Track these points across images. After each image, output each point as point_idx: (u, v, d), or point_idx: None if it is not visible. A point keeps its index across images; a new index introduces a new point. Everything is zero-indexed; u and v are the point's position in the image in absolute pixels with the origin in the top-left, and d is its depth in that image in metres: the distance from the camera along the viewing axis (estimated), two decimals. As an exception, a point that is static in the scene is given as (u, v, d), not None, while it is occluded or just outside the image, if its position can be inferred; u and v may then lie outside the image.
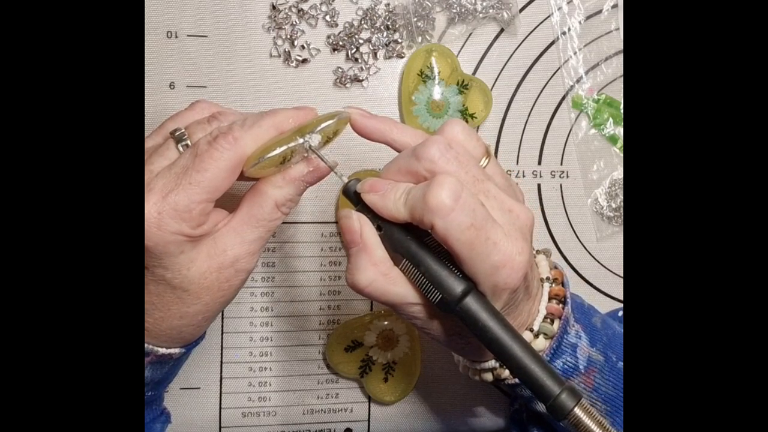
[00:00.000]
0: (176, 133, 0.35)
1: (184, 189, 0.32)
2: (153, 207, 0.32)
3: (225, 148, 0.33)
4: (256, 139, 0.33)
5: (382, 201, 0.32)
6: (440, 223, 0.30)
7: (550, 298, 0.37)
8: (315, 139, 0.34)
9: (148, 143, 0.36)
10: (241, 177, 0.34)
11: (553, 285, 0.38)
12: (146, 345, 0.36)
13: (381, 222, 0.33)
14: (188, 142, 0.35)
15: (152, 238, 0.32)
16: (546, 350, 0.36)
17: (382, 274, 0.33)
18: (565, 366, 0.37)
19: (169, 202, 0.32)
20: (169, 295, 0.34)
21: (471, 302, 0.32)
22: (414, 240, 0.33)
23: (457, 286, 0.32)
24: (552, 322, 0.37)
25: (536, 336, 0.36)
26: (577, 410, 0.30)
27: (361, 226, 0.33)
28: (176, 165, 0.33)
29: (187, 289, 0.34)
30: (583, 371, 0.38)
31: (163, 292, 0.34)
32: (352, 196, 0.34)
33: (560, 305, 0.37)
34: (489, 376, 0.38)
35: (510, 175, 0.51)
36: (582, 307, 0.40)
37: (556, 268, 0.40)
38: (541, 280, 0.38)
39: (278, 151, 0.33)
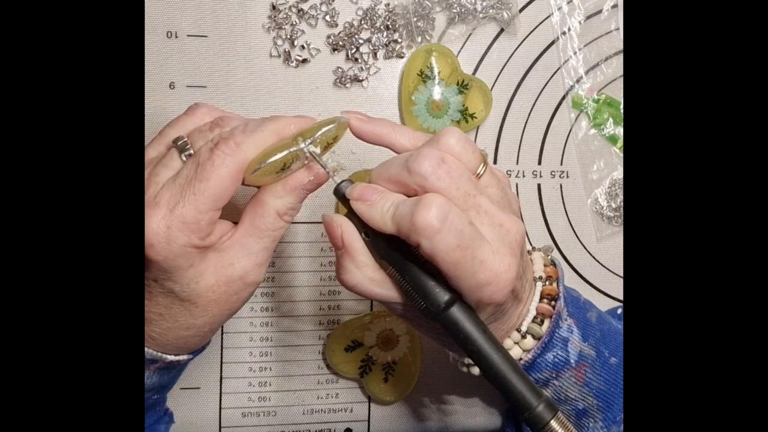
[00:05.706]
0: (179, 143, 0.34)
1: (190, 200, 0.32)
2: (162, 221, 0.31)
3: (227, 154, 0.32)
4: (258, 144, 0.33)
5: (369, 212, 0.32)
6: (426, 243, 0.30)
7: (542, 298, 0.37)
8: (315, 145, 0.33)
9: (151, 153, 0.36)
10: (244, 183, 0.34)
11: (546, 283, 0.38)
12: (155, 352, 0.36)
13: (368, 229, 0.33)
14: (191, 151, 0.34)
15: (162, 253, 0.32)
16: (534, 348, 0.37)
17: (366, 278, 0.33)
18: (556, 359, 0.37)
19: (176, 216, 0.32)
20: (177, 307, 0.34)
21: (454, 313, 0.32)
22: (400, 250, 0.32)
23: (441, 298, 0.32)
24: (541, 322, 0.37)
25: (524, 336, 0.37)
26: (554, 423, 0.31)
27: (342, 231, 0.33)
28: (180, 176, 0.33)
29: (195, 302, 0.34)
30: (574, 365, 0.38)
31: (171, 304, 0.34)
32: (342, 199, 0.34)
33: (552, 302, 0.37)
34: (476, 371, 0.38)
35: (510, 175, 0.51)
36: (577, 301, 0.40)
37: (552, 264, 0.40)
38: (534, 279, 0.38)
39: (278, 156, 0.32)
